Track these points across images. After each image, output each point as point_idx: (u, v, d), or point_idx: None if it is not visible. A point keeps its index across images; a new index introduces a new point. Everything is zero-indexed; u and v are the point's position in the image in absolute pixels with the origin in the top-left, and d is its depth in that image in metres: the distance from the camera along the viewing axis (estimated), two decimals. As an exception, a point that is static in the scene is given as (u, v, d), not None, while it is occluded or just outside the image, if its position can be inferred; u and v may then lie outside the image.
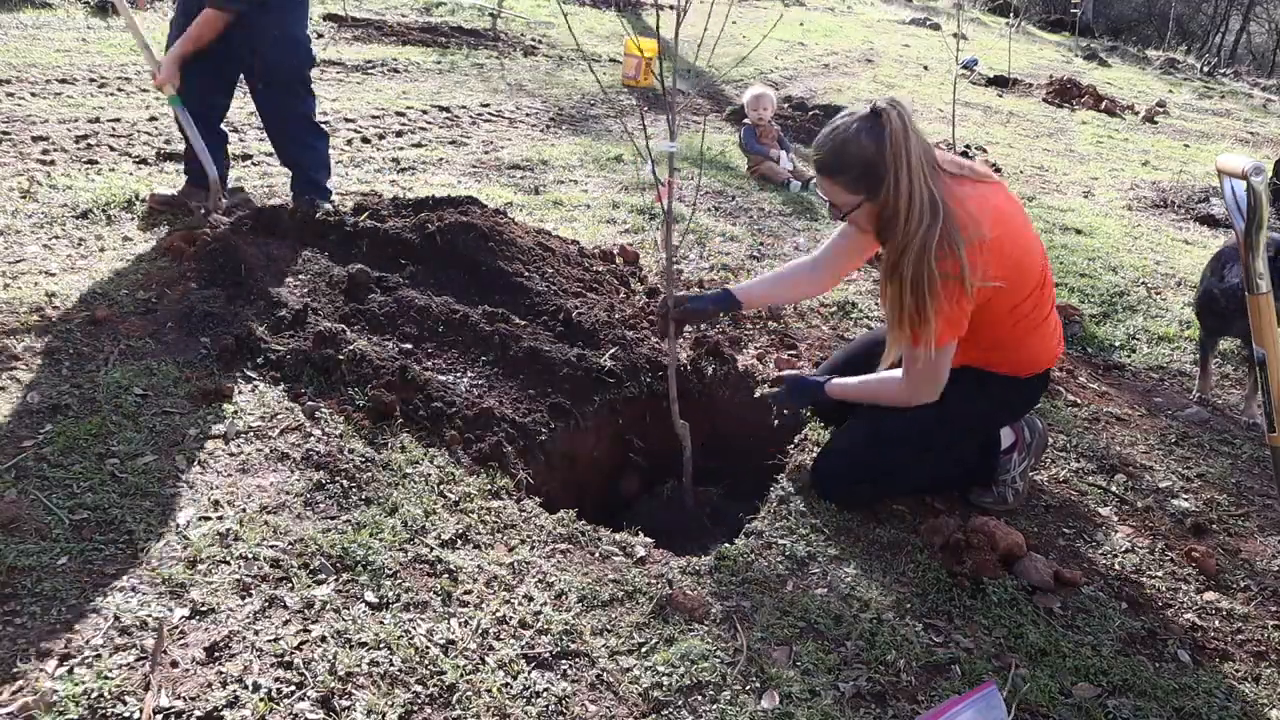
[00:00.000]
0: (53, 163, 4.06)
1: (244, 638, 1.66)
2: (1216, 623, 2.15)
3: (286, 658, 1.63)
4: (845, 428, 2.45)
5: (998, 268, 2.06)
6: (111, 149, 4.43)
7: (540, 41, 9.37)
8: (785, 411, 2.63)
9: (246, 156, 4.55)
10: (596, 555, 2.10)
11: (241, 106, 5.48)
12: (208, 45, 3.45)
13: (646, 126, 2.37)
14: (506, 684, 1.68)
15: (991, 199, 2.14)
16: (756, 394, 2.62)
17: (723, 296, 2.52)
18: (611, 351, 2.38)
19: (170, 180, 4.01)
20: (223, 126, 3.82)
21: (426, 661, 1.69)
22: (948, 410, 2.26)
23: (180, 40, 3.47)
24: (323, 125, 3.89)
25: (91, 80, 5.60)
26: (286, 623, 1.72)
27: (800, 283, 2.59)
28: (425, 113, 6.02)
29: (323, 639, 1.69)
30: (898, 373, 2.25)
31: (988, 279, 2.04)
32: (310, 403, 2.41)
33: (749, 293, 2.56)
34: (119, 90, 5.54)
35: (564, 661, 1.77)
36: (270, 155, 4.63)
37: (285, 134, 3.77)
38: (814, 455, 2.56)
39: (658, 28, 2.59)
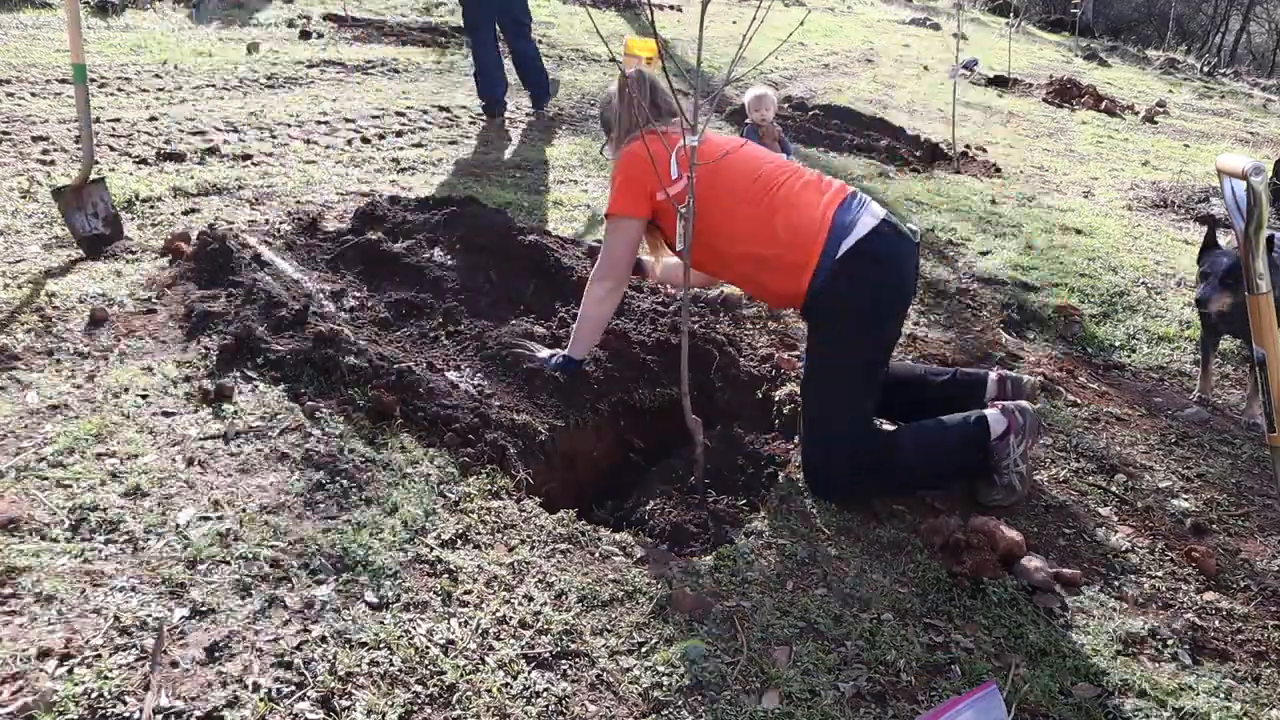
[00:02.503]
0: (53, 163, 4.07)
1: (244, 638, 1.66)
2: (1216, 623, 2.15)
3: (286, 658, 1.63)
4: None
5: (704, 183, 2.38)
6: (111, 149, 4.43)
7: (539, 41, 9.37)
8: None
9: (246, 156, 4.55)
10: (596, 555, 2.10)
11: (241, 107, 5.49)
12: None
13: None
14: (506, 684, 1.68)
15: (724, 143, 2.54)
16: (791, 408, 2.65)
17: (567, 363, 2.79)
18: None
19: (168, 181, 4.01)
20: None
21: (426, 661, 1.69)
22: (827, 344, 2.40)
23: None
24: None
25: (92, 80, 5.59)
26: (286, 623, 1.72)
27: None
28: (425, 113, 6.02)
29: (323, 639, 1.69)
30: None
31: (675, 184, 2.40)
32: (310, 403, 2.41)
33: (577, 345, 2.83)
34: (119, 90, 5.54)
35: (564, 661, 1.77)
36: (270, 155, 4.64)
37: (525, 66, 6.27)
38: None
39: (652, 23, 2.60)
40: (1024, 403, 2.50)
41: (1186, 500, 2.66)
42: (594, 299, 2.63)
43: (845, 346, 2.39)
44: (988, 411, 2.44)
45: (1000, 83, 11.09)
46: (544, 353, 2.82)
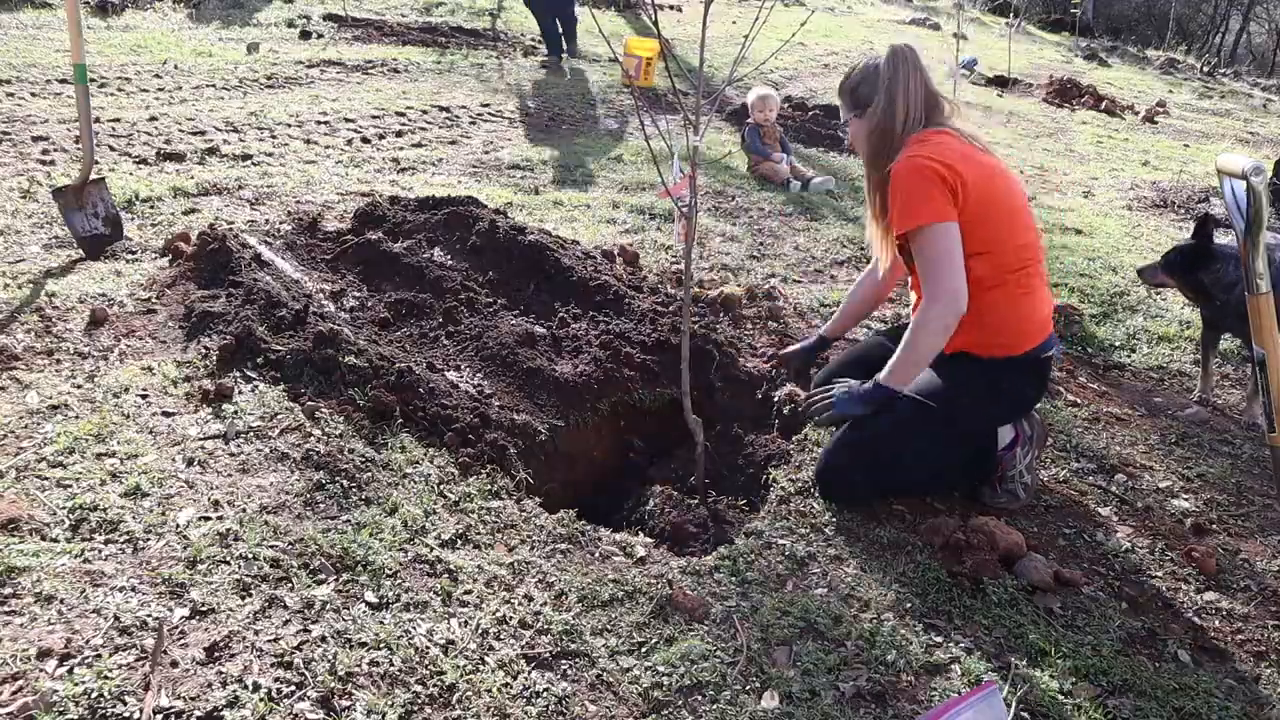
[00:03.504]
0: (53, 163, 4.07)
1: (244, 638, 1.66)
2: (1216, 623, 2.15)
3: (286, 658, 1.63)
4: (849, 427, 2.45)
5: (964, 169, 2.18)
6: (111, 149, 4.43)
7: (540, 41, 9.36)
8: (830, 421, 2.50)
9: (246, 156, 4.55)
10: (596, 555, 2.10)
11: (241, 107, 5.49)
12: None
13: (663, 123, 2.42)
14: (506, 684, 1.68)
15: (988, 160, 2.30)
16: (791, 408, 2.63)
17: (815, 343, 2.83)
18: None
19: (168, 181, 4.01)
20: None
21: (426, 661, 1.69)
22: (947, 405, 2.29)
23: None
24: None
25: (92, 80, 5.59)
26: (286, 623, 1.72)
27: (868, 294, 2.80)
28: (425, 113, 6.02)
29: (323, 639, 1.69)
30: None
31: (955, 179, 2.16)
32: (310, 403, 2.41)
33: (836, 326, 2.86)
34: (119, 90, 5.54)
35: (564, 661, 1.77)
36: (270, 155, 4.64)
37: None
38: (814, 455, 2.56)
39: (656, 23, 2.59)
40: (1032, 413, 2.51)
41: (1186, 500, 2.65)
42: (934, 329, 2.19)
43: (975, 411, 2.38)
44: None
45: (1000, 83, 11.09)
46: (840, 388, 2.41)
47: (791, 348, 2.94)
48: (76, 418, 2.21)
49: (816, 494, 2.40)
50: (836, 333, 2.89)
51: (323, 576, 1.85)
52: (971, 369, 2.34)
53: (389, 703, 1.59)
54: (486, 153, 5.33)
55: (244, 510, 1.99)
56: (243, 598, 1.75)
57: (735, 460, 2.72)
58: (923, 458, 2.35)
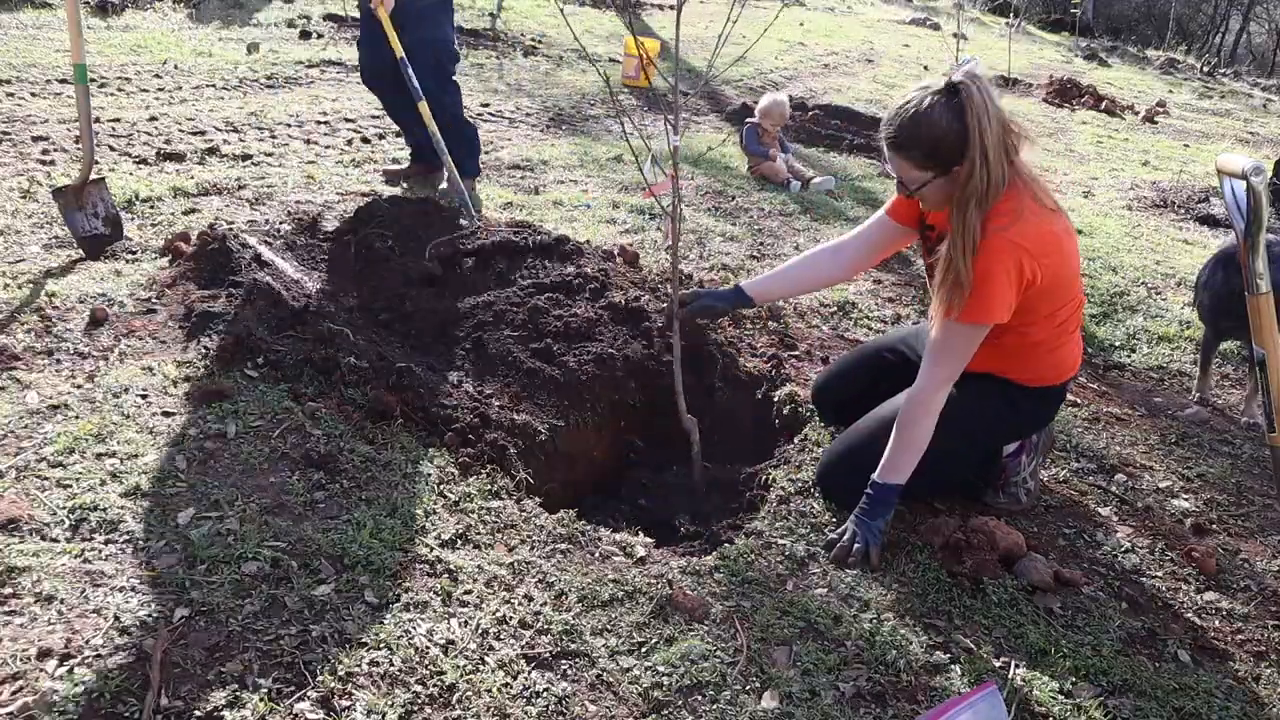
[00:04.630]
0: (53, 163, 4.06)
1: (244, 638, 1.66)
2: (1216, 623, 2.15)
3: (286, 658, 1.63)
4: (852, 429, 2.44)
5: (1046, 263, 2.04)
6: (111, 149, 4.43)
7: (540, 41, 9.37)
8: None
9: (246, 156, 4.55)
10: (596, 555, 2.10)
11: (241, 107, 5.49)
12: None
13: (646, 125, 2.38)
14: (506, 684, 1.68)
15: (1059, 226, 2.14)
16: (791, 408, 2.45)
17: (732, 293, 2.45)
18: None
19: (168, 181, 4.01)
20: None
21: (426, 661, 1.69)
22: (962, 421, 2.24)
23: None
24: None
25: (92, 80, 5.59)
26: (286, 623, 1.72)
27: (820, 268, 2.48)
28: (425, 113, 6.01)
29: (323, 639, 1.69)
30: (899, 402, 2.23)
31: (1036, 272, 2.03)
32: (310, 403, 2.41)
33: (762, 287, 2.47)
34: (119, 90, 5.54)
35: (564, 661, 1.77)
36: (270, 155, 4.64)
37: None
38: (815, 455, 2.56)
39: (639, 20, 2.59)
40: None
41: (1186, 500, 2.65)
42: (934, 412, 2.13)
43: (987, 428, 2.35)
44: None
45: (1000, 82, 11.08)
46: (851, 527, 2.22)
47: (702, 293, 2.51)
48: (76, 418, 2.21)
49: (817, 494, 2.40)
50: (764, 297, 2.53)
51: (323, 576, 1.85)
52: (992, 389, 2.29)
53: (389, 703, 1.59)
54: (486, 153, 5.32)
55: (244, 510, 1.99)
56: (243, 598, 1.75)
57: (735, 460, 2.72)
58: (927, 465, 2.33)
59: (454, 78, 4.39)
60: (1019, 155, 2.05)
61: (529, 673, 1.72)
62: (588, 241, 3.84)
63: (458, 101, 4.45)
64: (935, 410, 2.13)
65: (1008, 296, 2.02)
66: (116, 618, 1.65)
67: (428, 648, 1.72)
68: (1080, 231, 5.16)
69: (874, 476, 2.19)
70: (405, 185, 4.46)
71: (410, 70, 3.92)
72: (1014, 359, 2.26)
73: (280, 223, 3.62)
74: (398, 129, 4.85)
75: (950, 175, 2.02)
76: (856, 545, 2.16)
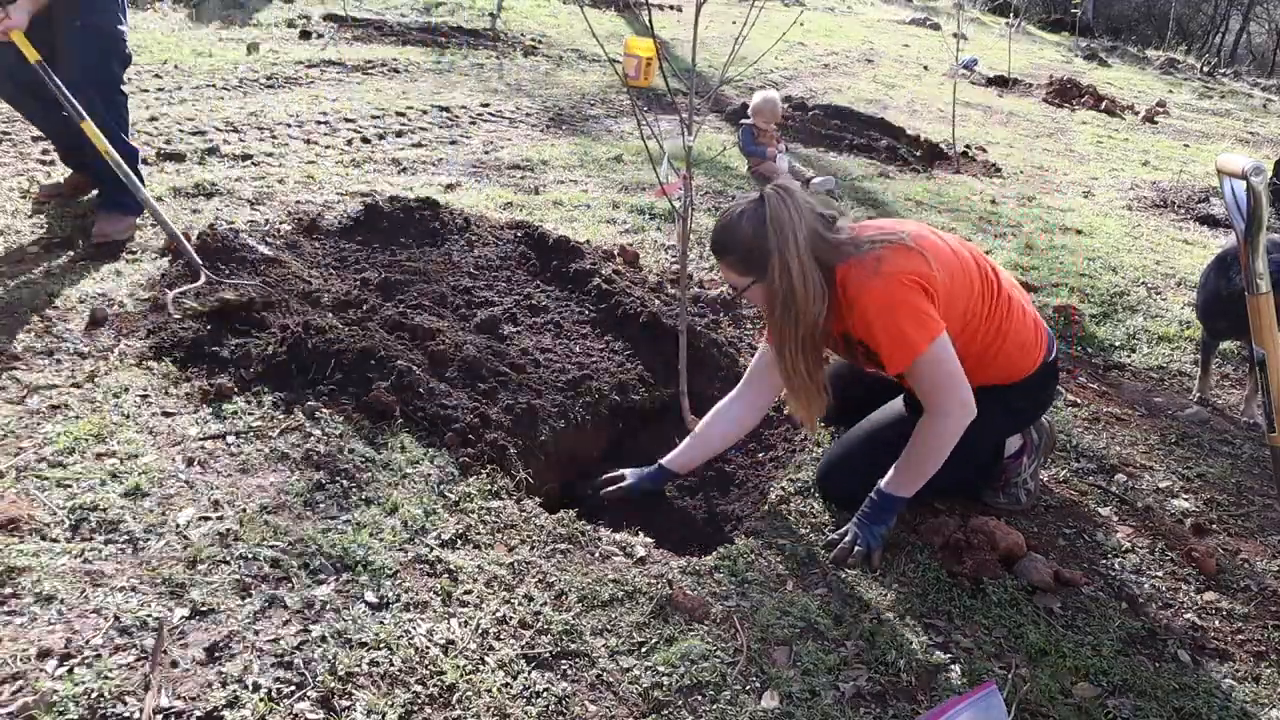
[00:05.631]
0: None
1: (244, 638, 1.66)
2: (1216, 623, 2.15)
3: (286, 658, 1.63)
4: (852, 431, 2.45)
5: (927, 269, 2.05)
6: (111, 149, 4.43)
7: (540, 41, 9.38)
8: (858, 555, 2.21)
9: (246, 156, 4.55)
10: (596, 555, 2.10)
11: (241, 107, 5.49)
12: None
13: (658, 124, 2.38)
14: (506, 684, 1.68)
15: (899, 223, 2.17)
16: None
17: (657, 472, 2.45)
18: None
19: (168, 182, 4.01)
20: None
21: (426, 661, 1.69)
22: (967, 434, 2.20)
23: None
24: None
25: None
26: (286, 623, 1.72)
27: (730, 424, 2.45)
28: (425, 113, 6.02)
29: (323, 639, 1.69)
30: (898, 406, 2.25)
31: (930, 277, 2.05)
32: (310, 403, 2.41)
33: (683, 459, 2.45)
34: (119, 90, 5.54)
35: (564, 661, 1.77)
36: (270, 155, 4.64)
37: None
38: (814, 455, 2.56)
39: (646, 22, 2.60)
40: (1041, 420, 2.50)
41: (1186, 500, 2.65)
42: (948, 441, 2.10)
43: (984, 428, 2.27)
44: None
45: (1000, 83, 11.09)
46: (852, 530, 2.22)
47: (624, 483, 2.46)
48: (76, 418, 2.21)
49: (817, 494, 2.40)
50: (684, 466, 2.47)
51: (323, 576, 1.85)
52: (980, 394, 2.27)
53: (389, 703, 1.59)
54: (486, 153, 5.33)
55: (244, 510, 1.99)
56: (243, 598, 1.75)
57: (735, 460, 2.72)
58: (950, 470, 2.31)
59: (122, 86, 3.36)
60: (846, 251, 2.07)
61: (529, 673, 1.72)
62: (587, 242, 3.84)
63: (124, 118, 3.36)
64: (950, 437, 2.09)
65: (924, 307, 2.02)
66: (116, 618, 1.65)
67: (428, 648, 1.72)
68: (1080, 231, 5.16)
69: (881, 485, 2.18)
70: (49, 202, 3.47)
71: (56, 79, 2.98)
72: (979, 368, 2.21)
73: (280, 223, 3.62)
74: (398, 128, 4.73)
75: (766, 280, 2.07)
76: (857, 548, 2.15)
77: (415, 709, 1.60)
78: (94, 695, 1.49)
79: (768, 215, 2.03)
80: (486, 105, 6.53)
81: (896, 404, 2.38)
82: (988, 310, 2.20)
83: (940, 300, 2.07)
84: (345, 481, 2.15)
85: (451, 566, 1.95)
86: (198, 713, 1.50)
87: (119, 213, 3.28)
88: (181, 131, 4.83)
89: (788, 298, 2.04)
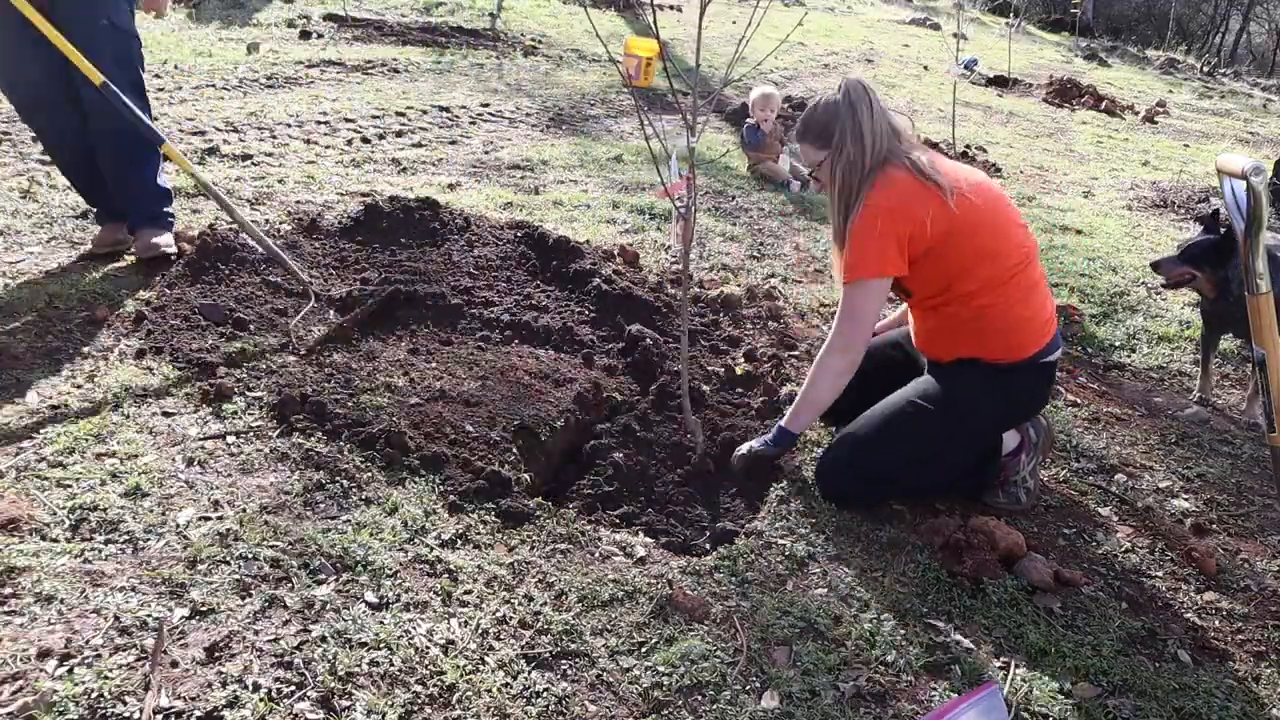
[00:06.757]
0: (53, 163, 4.06)
1: (244, 638, 1.66)
2: (1216, 623, 2.15)
3: (286, 658, 1.63)
4: (850, 428, 2.45)
5: (923, 214, 2.17)
6: (111, 149, 4.42)
7: (540, 41, 9.38)
8: (749, 474, 2.46)
9: (246, 156, 4.55)
10: (596, 555, 2.10)
11: (241, 107, 5.49)
12: None
13: (661, 124, 2.39)
14: (506, 684, 1.68)
15: (969, 172, 2.31)
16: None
17: (780, 436, 2.42)
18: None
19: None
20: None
21: (426, 661, 1.69)
22: (953, 410, 2.29)
23: None
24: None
25: (91, 80, 5.59)
26: (286, 623, 1.72)
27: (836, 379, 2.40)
28: (425, 113, 6.02)
29: (323, 639, 1.69)
30: (893, 403, 2.37)
31: (914, 224, 2.17)
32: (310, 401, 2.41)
33: (795, 421, 2.43)
34: (119, 90, 5.54)
35: (564, 661, 1.76)
36: (270, 155, 4.64)
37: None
38: (814, 455, 2.56)
39: (656, 22, 2.60)
40: (1039, 418, 2.51)
41: (1186, 500, 2.65)
42: (831, 371, 2.29)
43: (977, 416, 2.36)
44: None
45: (1000, 83, 11.09)
46: (753, 443, 2.45)
47: (748, 451, 2.48)
48: (76, 418, 2.21)
49: (817, 494, 2.40)
50: (800, 426, 2.44)
51: (323, 576, 1.85)
52: (973, 374, 2.32)
53: (389, 703, 1.59)
54: (486, 153, 5.33)
55: (244, 510, 1.99)
56: (243, 598, 1.75)
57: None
58: (923, 461, 2.35)
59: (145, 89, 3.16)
60: (909, 151, 2.25)
61: (529, 673, 1.72)
62: (587, 242, 3.84)
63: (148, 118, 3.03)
64: (833, 370, 2.30)
65: (885, 251, 2.18)
66: (116, 618, 1.65)
67: (428, 648, 1.72)
68: (1080, 231, 5.16)
69: (781, 422, 2.40)
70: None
71: (126, 100, 2.80)
72: (975, 334, 2.29)
73: (280, 223, 3.62)
74: (398, 128, 4.70)
75: (832, 150, 2.28)
76: (746, 450, 2.42)
77: (415, 709, 1.60)
78: (94, 695, 1.49)
79: (844, 94, 2.26)
80: (486, 105, 6.53)
81: (891, 401, 2.39)
82: (1006, 276, 2.26)
83: (922, 243, 2.20)
84: (345, 481, 2.15)
85: (451, 566, 1.95)
86: (198, 713, 1.50)
87: (158, 226, 3.16)
88: (181, 132, 4.83)
89: (848, 165, 2.24)
